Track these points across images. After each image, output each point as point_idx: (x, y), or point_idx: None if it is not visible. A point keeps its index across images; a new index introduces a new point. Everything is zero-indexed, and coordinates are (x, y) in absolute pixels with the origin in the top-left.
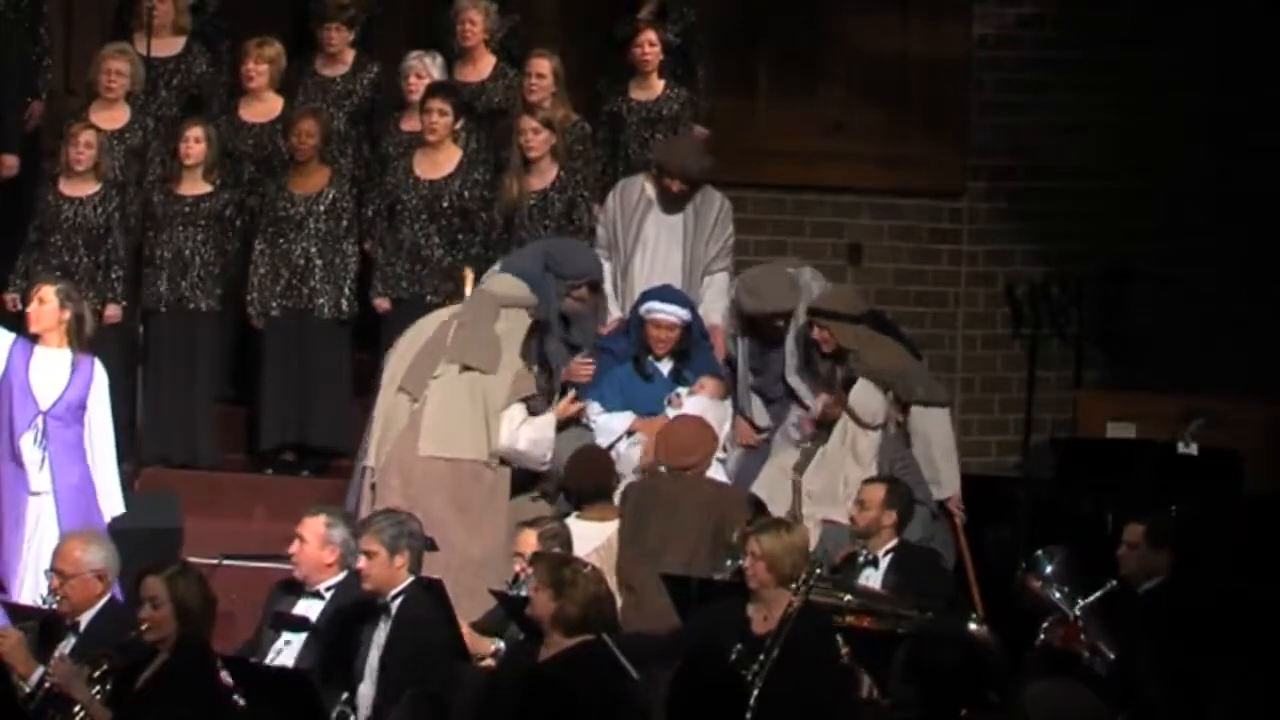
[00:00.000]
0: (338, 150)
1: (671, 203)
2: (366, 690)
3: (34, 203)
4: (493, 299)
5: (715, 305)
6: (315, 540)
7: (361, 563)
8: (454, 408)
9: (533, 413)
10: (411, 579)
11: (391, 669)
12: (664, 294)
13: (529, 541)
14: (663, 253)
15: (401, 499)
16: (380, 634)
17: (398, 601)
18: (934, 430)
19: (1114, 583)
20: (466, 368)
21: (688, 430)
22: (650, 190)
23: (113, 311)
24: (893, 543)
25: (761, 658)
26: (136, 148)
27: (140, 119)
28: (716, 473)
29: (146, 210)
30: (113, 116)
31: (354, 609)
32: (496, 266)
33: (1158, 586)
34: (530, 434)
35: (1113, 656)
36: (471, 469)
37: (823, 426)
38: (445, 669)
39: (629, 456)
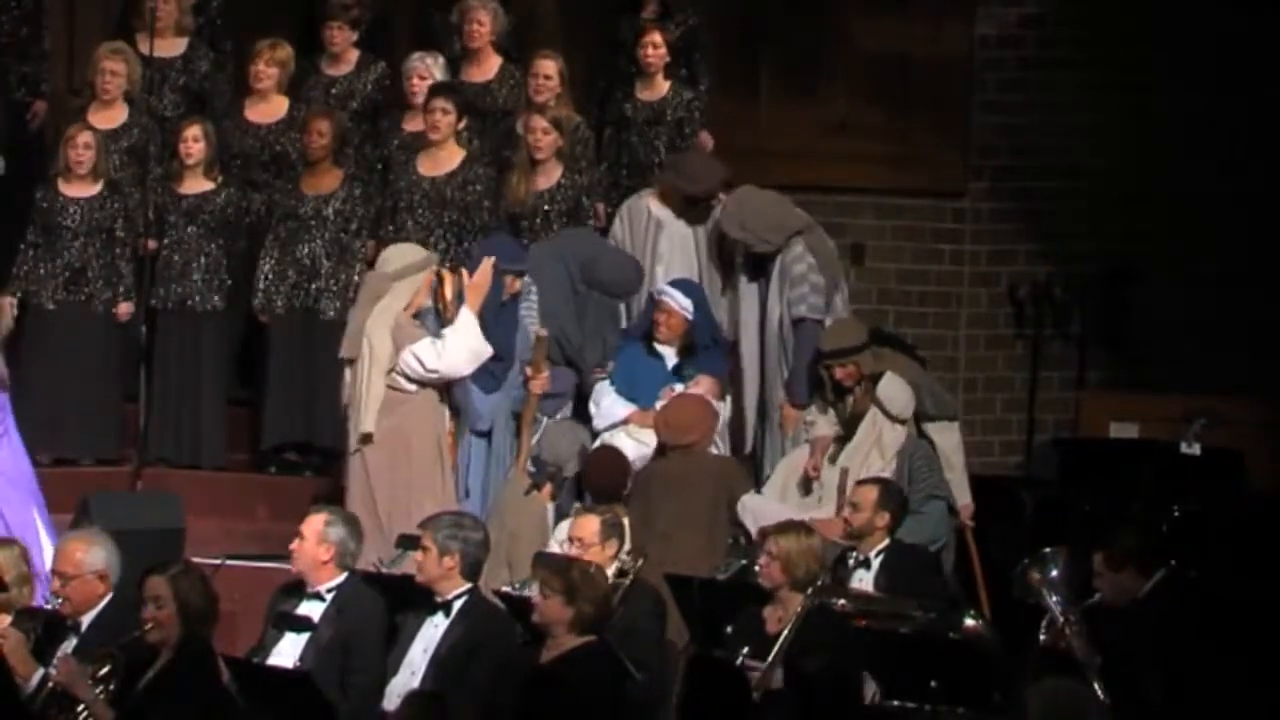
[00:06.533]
0: (354, 151)
1: (694, 216)
2: (402, 682)
3: (35, 203)
4: (382, 279)
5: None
6: (313, 537)
7: (418, 556)
8: (366, 388)
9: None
10: (470, 585)
11: (447, 669)
12: (680, 284)
13: (591, 527)
14: (677, 268)
15: (366, 492)
16: (432, 631)
17: (459, 603)
18: (941, 443)
19: (1099, 595)
20: (347, 362)
21: (687, 408)
22: (657, 209)
23: (125, 309)
24: (884, 543)
25: (770, 656)
26: (134, 147)
27: (138, 118)
28: None
29: (148, 210)
30: (110, 116)
31: (399, 602)
32: (527, 281)
33: (1151, 591)
34: (455, 345)
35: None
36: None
37: (851, 419)
38: (500, 685)
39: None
